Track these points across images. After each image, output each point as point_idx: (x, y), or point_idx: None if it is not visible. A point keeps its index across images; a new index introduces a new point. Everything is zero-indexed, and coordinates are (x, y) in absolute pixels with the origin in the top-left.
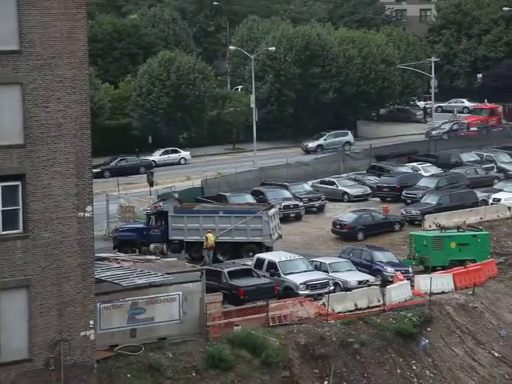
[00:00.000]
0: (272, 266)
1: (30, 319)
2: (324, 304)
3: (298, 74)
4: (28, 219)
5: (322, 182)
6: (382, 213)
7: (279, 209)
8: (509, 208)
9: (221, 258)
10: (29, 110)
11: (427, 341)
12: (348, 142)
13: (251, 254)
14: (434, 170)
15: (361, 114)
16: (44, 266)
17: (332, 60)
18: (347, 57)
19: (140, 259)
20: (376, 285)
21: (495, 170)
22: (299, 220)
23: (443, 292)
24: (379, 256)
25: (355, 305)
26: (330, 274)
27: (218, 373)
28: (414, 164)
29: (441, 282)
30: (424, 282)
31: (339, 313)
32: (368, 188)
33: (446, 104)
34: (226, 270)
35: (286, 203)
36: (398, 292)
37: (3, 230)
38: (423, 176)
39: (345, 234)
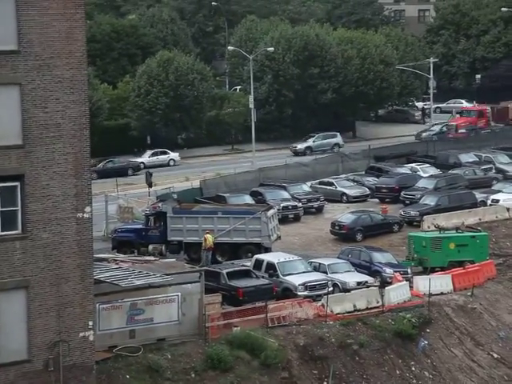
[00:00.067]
0: (271, 266)
1: (29, 320)
2: (323, 305)
3: (296, 75)
4: (27, 220)
5: (320, 183)
6: (380, 214)
7: (278, 210)
8: (507, 209)
9: (219, 258)
10: (27, 111)
11: (426, 342)
12: (337, 144)
13: (250, 254)
14: (433, 170)
15: (359, 115)
16: (43, 267)
17: (330, 60)
18: (346, 57)
19: (139, 260)
20: (375, 286)
21: (494, 171)
22: (298, 221)
23: (442, 293)
24: (378, 257)
25: (354, 306)
26: (329, 274)
27: (217, 374)
28: (413, 165)
29: (440, 283)
30: (423, 283)
31: (338, 314)
32: (367, 189)
33: (444, 105)
34: (224, 271)
35: (285, 204)
36: (397, 293)
37: (2, 231)
38: (422, 177)
39: (343, 234)
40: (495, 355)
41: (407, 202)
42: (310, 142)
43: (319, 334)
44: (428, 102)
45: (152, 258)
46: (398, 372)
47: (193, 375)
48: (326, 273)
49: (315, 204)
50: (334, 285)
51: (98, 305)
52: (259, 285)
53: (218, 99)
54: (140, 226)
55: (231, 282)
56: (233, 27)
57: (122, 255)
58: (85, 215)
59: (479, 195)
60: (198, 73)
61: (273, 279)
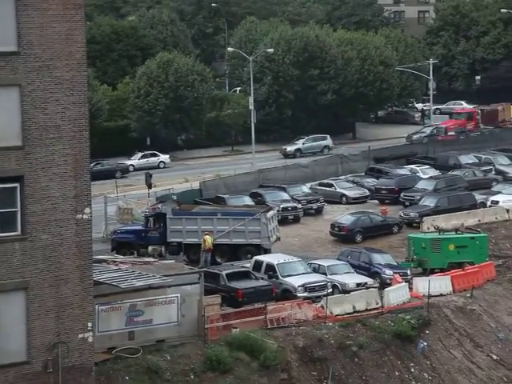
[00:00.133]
0: (270, 268)
1: (28, 321)
2: (322, 306)
3: (296, 76)
4: (26, 221)
5: (320, 184)
6: (380, 215)
7: (277, 211)
8: (507, 210)
9: (219, 260)
10: (27, 112)
11: (425, 343)
12: (327, 147)
13: (249, 256)
14: (433, 172)
15: (359, 116)
16: (42, 268)
17: (330, 62)
18: (345, 58)
19: (138, 261)
20: (374, 287)
21: (493, 173)
22: (297, 222)
23: (441, 294)
24: (377, 258)
25: (353, 307)
26: (329, 276)
27: (217, 375)
28: (413, 166)
29: (439, 284)
30: (422, 285)
31: (337, 315)
32: (366, 190)
33: (444, 106)
34: (224, 272)
35: (285, 205)
36: (397, 294)
37: (1, 232)
38: (421, 178)
39: (343, 236)
40: (494, 357)
41: (407, 203)
42: (299, 144)
43: (318, 335)
44: (428, 104)
45: (151, 259)
46: (397, 373)
47: (192, 376)
48: (325, 274)
49: (315, 205)
50: (334, 286)
51: (97, 306)
52: (258, 286)
53: (217, 100)
54: (139, 228)
55: (231, 284)
56: (232, 28)
57: (121, 256)
58: (84, 216)
59: (479, 196)
60: (197, 74)
61: (272, 280)
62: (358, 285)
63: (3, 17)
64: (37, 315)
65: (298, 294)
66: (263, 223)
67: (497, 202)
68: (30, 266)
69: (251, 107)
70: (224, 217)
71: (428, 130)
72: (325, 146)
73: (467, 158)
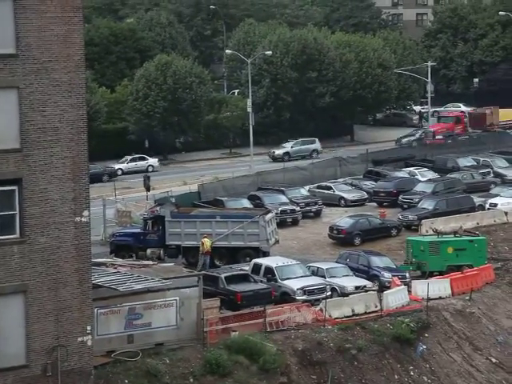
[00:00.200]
0: (269, 271)
1: (27, 325)
2: (321, 309)
3: (294, 78)
4: (25, 224)
5: (318, 187)
6: (378, 218)
7: (276, 214)
8: (505, 213)
9: (218, 263)
10: (25, 114)
11: (424, 346)
12: (315, 150)
13: (248, 259)
14: (431, 174)
15: (357, 119)
16: (41, 272)
17: (328, 64)
18: (344, 61)
19: (137, 264)
20: (373, 290)
21: (492, 175)
22: (296, 225)
23: (440, 297)
24: (376, 261)
25: (352, 310)
26: (327, 279)
27: (216, 379)
28: (411, 169)
29: (438, 287)
30: (421, 288)
31: (336, 318)
32: (365, 193)
33: (442, 109)
34: (223, 276)
35: (283, 208)
36: (396, 297)
37: (0, 235)
38: (420, 181)
39: (342, 239)
40: (494, 360)
41: (405, 206)
42: (288, 148)
43: (318, 338)
44: (426, 106)
45: (150, 262)
46: (396, 377)
47: (191, 380)
48: (324, 277)
49: (313, 208)
50: (333, 289)
51: (96, 309)
52: (257, 289)
53: (216, 103)
54: (138, 230)
55: (229, 287)
56: (231, 31)
57: (120, 259)
58: (83, 219)
59: (477, 199)
60: (196, 76)
61: (271, 283)
62: (357, 288)
63: (1, 19)
64: (36, 318)
65: (297, 297)
66: (262, 226)
67: (495, 205)
68: (29, 269)
69: (249, 110)
70: (223, 219)
71: (418, 134)
72: (313, 150)
73: (465, 161)
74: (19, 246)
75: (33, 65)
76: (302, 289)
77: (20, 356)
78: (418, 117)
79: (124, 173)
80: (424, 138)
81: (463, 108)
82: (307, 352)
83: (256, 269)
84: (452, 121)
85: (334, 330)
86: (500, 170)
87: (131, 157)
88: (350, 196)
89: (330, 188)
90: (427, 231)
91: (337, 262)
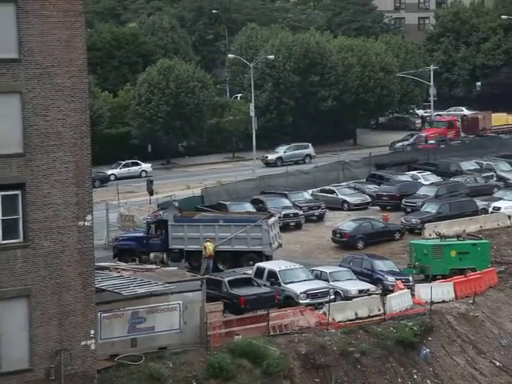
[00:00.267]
0: (272, 275)
1: (31, 329)
2: (324, 313)
3: (296, 82)
4: (28, 228)
5: (321, 191)
6: (381, 221)
7: (279, 217)
8: (509, 216)
9: (221, 267)
10: (28, 119)
11: (428, 350)
12: (308, 155)
13: (251, 262)
14: (434, 178)
15: (360, 122)
16: (44, 276)
17: (331, 68)
18: (346, 65)
19: (140, 268)
20: (376, 294)
21: (495, 179)
22: (299, 229)
23: (444, 301)
24: (380, 265)
25: (356, 314)
26: (331, 282)
27: (219, 382)
28: (414, 172)
29: (441, 290)
30: (424, 291)
31: (340, 322)
32: (368, 196)
33: (444, 112)
34: (226, 279)
35: (286, 212)
36: (399, 301)
37: (3, 239)
38: (423, 184)
39: (345, 242)
40: (497, 363)
41: (408, 209)
42: (280, 153)
43: (321, 342)
44: (428, 110)
45: (153, 266)
46: (399, 380)
47: None
48: (327, 281)
49: (316, 212)
50: (336, 293)
51: (99, 313)
52: (261, 293)
53: (218, 107)
54: (141, 234)
55: (233, 291)
56: (233, 35)
57: (123, 263)
58: (86, 223)
59: (480, 203)
60: (198, 81)
61: (274, 287)
62: (360, 291)
63: (4, 24)
64: (39, 322)
65: (301, 301)
66: (265, 230)
67: (498, 209)
68: (32, 273)
69: (252, 114)
70: (226, 223)
71: (412, 138)
72: (306, 155)
73: (469, 165)
74: (23, 250)
75: (35, 69)
76: (305, 292)
77: (23, 360)
78: (420, 120)
79: (117, 178)
80: (416, 143)
81: (466, 111)
82: (310, 355)
83: (259, 273)
84: (444, 126)
85: (338, 333)
86: (503, 174)
87: (124, 162)
88: (353, 200)
89: (333, 192)
90: (430, 235)
91: (340, 266)
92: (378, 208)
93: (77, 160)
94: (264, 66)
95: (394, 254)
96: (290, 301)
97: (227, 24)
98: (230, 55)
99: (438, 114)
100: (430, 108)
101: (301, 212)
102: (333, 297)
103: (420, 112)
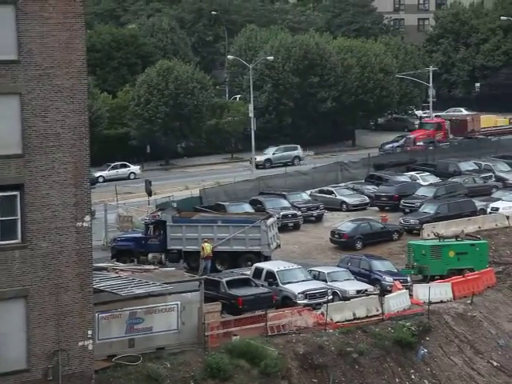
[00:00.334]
0: (270, 275)
1: (28, 329)
2: (322, 313)
3: (296, 84)
4: (26, 229)
5: (320, 192)
6: (380, 222)
7: (277, 218)
8: (507, 217)
9: (219, 267)
10: (27, 120)
11: (426, 350)
12: (297, 157)
13: (249, 263)
14: (433, 179)
15: (359, 123)
16: (42, 276)
17: (330, 69)
18: (345, 66)
19: (138, 269)
20: (374, 294)
21: (493, 179)
22: (297, 229)
23: (442, 301)
24: (378, 265)
25: (354, 314)
26: (329, 283)
27: (217, 383)
28: (413, 173)
29: (439, 291)
30: (422, 292)
31: (338, 322)
32: (366, 197)
33: (444, 113)
34: (224, 280)
35: (285, 212)
36: (397, 301)
37: (1, 240)
38: (421, 185)
39: (343, 243)
40: (495, 363)
41: (407, 210)
42: (269, 155)
43: (319, 342)
44: (427, 111)
45: (151, 266)
46: (397, 380)
47: None
48: (325, 281)
49: (315, 212)
50: (334, 293)
51: (97, 314)
52: (259, 293)
53: (217, 108)
54: (139, 235)
55: (231, 291)
56: (232, 36)
57: (121, 264)
58: (84, 224)
59: (479, 203)
60: (197, 82)
61: (272, 288)
62: (359, 292)
63: (4, 25)
64: (37, 323)
65: (299, 301)
66: (263, 230)
67: (497, 209)
68: (30, 274)
69: (251, 115)
70: (224, 224)
71: (401, 140)
72: (295, 157)
73: (467, 165)
74: (21, 251)
75: (35, 71)
76: (303, 293)
77: (21, 360)
78: (419, 121)
79: (105, 180)
80: (405, 145)
81: (465, 112)
82: (308, 356)
83: (257, 273)
84: (433, 127)
85: (336, 333)
86: (502, 174)
87: (113, 164)
88: (351, 200)
89: (331, 192)
90: (429, 235)
91: (338, 266)
92: (376, 209)
93: (75, 161)
94: (263, 67)
95: (393, 254)
96: (288, 301)
97: (227, 25)
98: (229, 56)
99: (436, 115)
100: (429, 109)
101: (299, 213)
102: (331, 297)
103: (419, 113)
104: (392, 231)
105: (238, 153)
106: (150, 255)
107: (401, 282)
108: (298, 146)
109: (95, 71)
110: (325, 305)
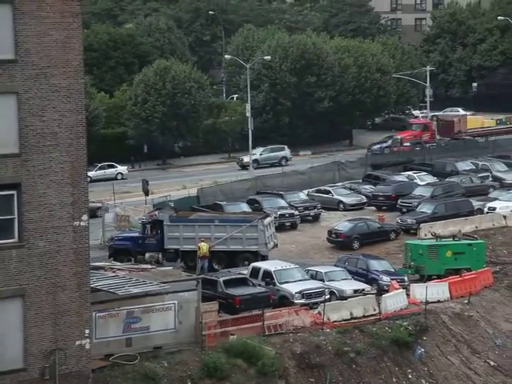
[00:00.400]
0: (267, 274)
1: (25, 328)
2: (320, 313)
3: (293, 83)
4: (23, 228)
5: (317, 191)
6: (377, 222)
7: (275, 218)
8: (504, 217)
9: (216, 266)
10: (24, 119)
11: (423, 350)
12: (284, 158)
13: (247, 262)
14: (430, 178)
15: (356, 123)
16: (39, 276)
17: (327, 69)
18: (342, 66)
19: (135, 268)
20: (372, 294)
21: (490, 179)
22: (295, 229)
23: (439, 301)
24: (375, 265)
25: (351, 313)
26: (326, 282)
27: (214, 382)
28: (410, 173)
29: (436, 290)
30: (420, 291)
31: (335, 322)
32: (363, 197)
33: (441, 113)
34: (221, 279)
35: (282, 212)
36: (394, 301)
37: None
38: (419, 185)
39: (340, 242)
40: (492, 363)
41: (404, 209)
42: (256, 155)
43: (316, 341)
44: (424, 111)
45: (149, 266)
46: (394, 380)
47: (189, 383)
48: (322, 281)
49: (312, 212)
50: (331, 293)
51: (94, 313)
52: (256, 293)
53: (214, 108)
54: (137, 234)
55: (228, 290)
56: (230, 36)
57: (118, 263)
58: (81, 223)
59: (476, 203)
60: (194, 81)
61: (269, 287)
62: (356, 291)
63: (0, 25)
64: (34, 322)
65: (296, 301)
66: (260, 230)
67: (494, 209)
68: (27, 273)
69: (248, 114)
70: (221, 224)
71: (390, 141)
72: (282, 157)
73: (464, 165)
74: (18, 250)
75: (32, 70)
76: (300, 292)
77: (18, 359)
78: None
79: (92, 180)
80: (391, 145)
81: (462, 112)
82: (305, 355)
83: (254, 272)
84: (420, 128)
85: (333, 333)
86: (499, 174)
87: (100, 164)
88: (348, 200)
89: (328, 192)
90: (426, 235)
91: (335, 266)
92: (373, 208)
93: (72, 160)
94: (260, 66)
95: (390, 254)
96: (285, 301)
97: (224, 25)
98: (226, 56)
99: (433, 115)
100: (426, 109)
101: (296, 212)
102: (328, 297)
103: (416, 113)
104: (389, 231)
105: (235, 152)
106: (147, 254)
107: (398, 282)
108: (285, 146)
109: (92, 71)
110: (322, 304)
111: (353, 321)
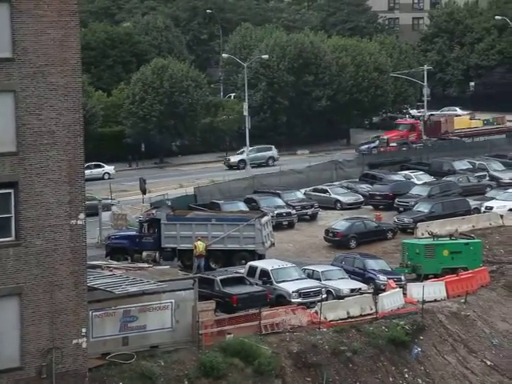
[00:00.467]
0: (264, 273)
1: (22, 327)
2: (316, 312)
3: (291, 82)
4: (20, 227)
5: (314, 190)
6: (374, 221)
7: (272, 217)
8: (501, 216)
9: (213, 265)
10: (21, 118)
11: (419, 349)
12: (272, 158)
13: (244, 261)
14: (427, 178)
15: (354, 122)
16: (36, 274)
17: (325, 68)
18: (340, 65)
19: (132, 267)
20: (368, 293)
21: (487, 179)
22: (292, 228)
23: (435, 300)
24: (372, 264)
25: (348, 313)
26: (323, 282)
27: (211, 381)
28: (407, 172)
29: (433, 290)
30: (416, 290)
31: (332, 321)
32: (361, 196)
33: (438, 112)
34: (218, 278)
35: (279, 211)
36: (391, 300)
37: None
38: (416, 184)
39: (337, 241)
40: (488, 362)
41: (401, 209)
42: (243, 155)
43: (313, 341)
44: (422, 110)
45: (146, 264)
46: (391, 379)
47: (186, 382)
48: (319, 280)
49: (309, 211)
50: (328, 292)
51: (91, 312)
52: (253, 292)
53: (212, 106)
54: (134, 233)
55: (225, 289)
56: (227, 35)
57: (115, 262)
58: (78, 222)
59: (473, 202)
60: (192, 80)
61: (266, 286)
62: (352, 290)
63: None
64: (31, 321)
65: (293, 300)
66: (257, 229)
67: (491, 208)
68: (24, 272)
69: (246, 113)
70: (218, 222)
71: (377, 141)
72: (269, 157)
73: (461, 164)
74: (15, 248)
75: (29, 69)
76: (297, 291)
77: (15, 358)
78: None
79: None
80: (378, 146)
81: (459, 111)
82: (302, 354)
83: (251, 271)
84: (406, 128)
85: (329, 332)
86: (496, 174)
87: (87, 164)
88: (345, 199)
89: (325, 191)
90: (423, 234)
91: (332, 265)
92: (370, 207)
93: (70, 159)
94: (258, 65)
95: (387, 253)
96: (282, 300)
97: (221, 24)
98: (224, 55)
99: (431, 114)
100: (423, 108)
101: (294, 211)
102: (325, 296)
103: (413, 112)
104: (386, 230)
105: (233, 151)
106: (144, 253)
107: (395, 281)
108: (273, 146)
109: (90, 69)
110: (319, 303)
111: (349, 320)
